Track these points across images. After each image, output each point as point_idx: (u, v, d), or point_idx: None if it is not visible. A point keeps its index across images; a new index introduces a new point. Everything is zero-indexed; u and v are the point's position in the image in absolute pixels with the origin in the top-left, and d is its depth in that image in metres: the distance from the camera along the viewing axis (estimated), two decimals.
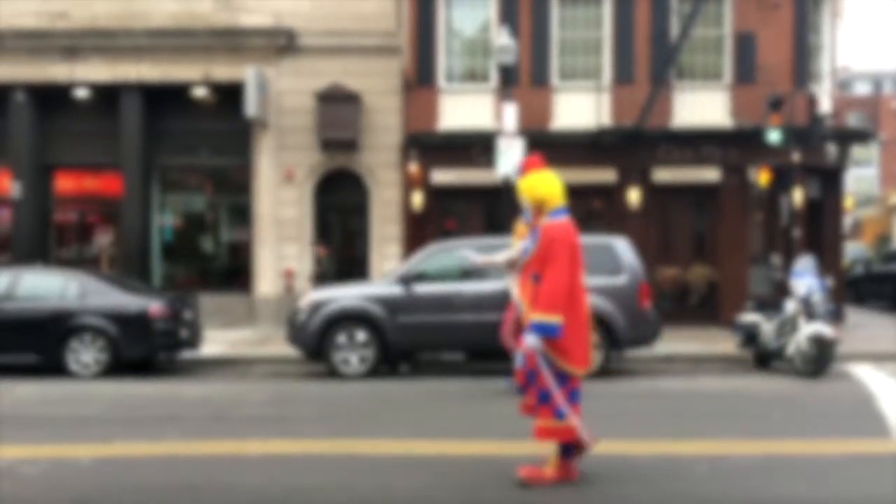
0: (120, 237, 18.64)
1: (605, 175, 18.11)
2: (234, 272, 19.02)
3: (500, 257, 9.85)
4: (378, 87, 18.18)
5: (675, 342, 14.33)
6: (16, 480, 5.96)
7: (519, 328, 9.86)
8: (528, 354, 5.57)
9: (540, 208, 5.74)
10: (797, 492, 5.64)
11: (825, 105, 19.01)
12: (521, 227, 10.11)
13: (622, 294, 11.82)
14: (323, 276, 16.67)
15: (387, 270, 16.18)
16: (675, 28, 17.95)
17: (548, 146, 17.76)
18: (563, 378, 5.61)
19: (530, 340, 5.49)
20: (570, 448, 5.74)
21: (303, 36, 18.19)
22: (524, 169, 5.89)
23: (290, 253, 18.09)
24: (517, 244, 9.91)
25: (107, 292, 12.55)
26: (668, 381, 11.36)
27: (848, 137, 19.80)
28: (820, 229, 19.20)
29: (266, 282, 18.22)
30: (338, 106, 17.79)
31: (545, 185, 5.73)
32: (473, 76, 18.65)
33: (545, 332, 5.45)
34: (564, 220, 5.73)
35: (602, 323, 11.66)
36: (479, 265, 9.71)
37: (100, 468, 6.30)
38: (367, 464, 6.31)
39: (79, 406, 9.37)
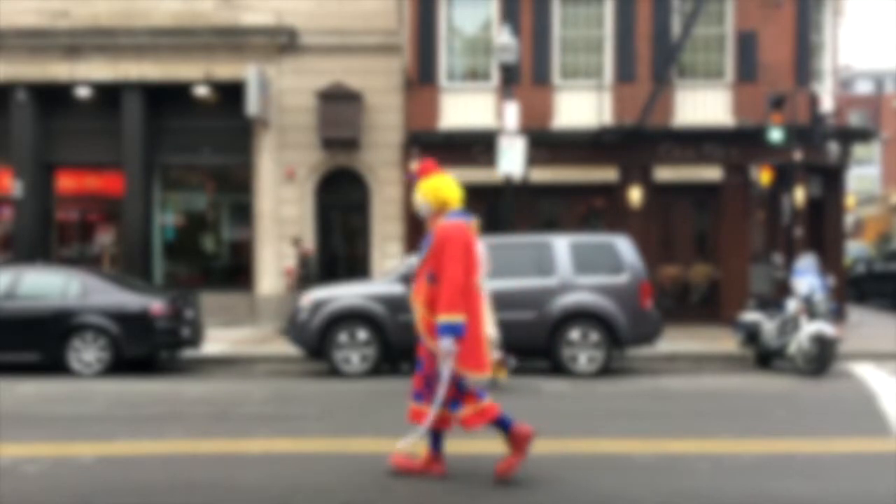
0: (121, 236, 18.65)
1: (606, 174, 18.10)
2: (236, 271, 19.03)
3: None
4: (379, 85, 18.18)
5: (676, 341, 14.33)
6: (17, 479, 5.97)
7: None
8: (428, 360, 5.65)
9: (441, 210, 5.82)
10: (799, 490, 5.64)
11: (827, 104, 18.99)
12: None
13: (624, 293, 11.81)
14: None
15: (388, 269, 16.18)
16: (676, 26, 17.93)
17: (549, 145, 17.82)
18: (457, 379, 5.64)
19: (445, 344, 5.47)
20: (440, 442, 5.78)
21: (304, 35, 18.19)
22: (421, 173, 5.96)
23: (292, 251, 18.09)
24: None
25: (108, 291, 12.55)
26: (669, 379, 11.36)
27: (849, 136, 19.78)
28: (821, 228, 19.19)
29: (267, 280, 18.23)
30: (339, 104, 17.79)
31: (448, 188, 5.87)
32: (475, 75, 18.64)
33: (454, 332, 5.47)
34: (460, 221, 5.80)
35: (603, 322, 11.67)
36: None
37: (101, 467, 6.30)
38: (369, 462, 6.31)
39: (80, 404, 9.38)
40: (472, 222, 10.53)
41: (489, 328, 10.22)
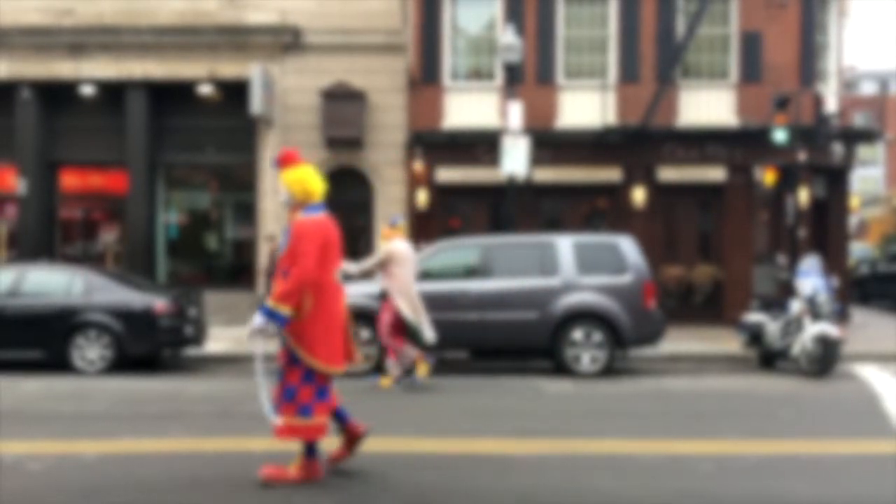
0: (125, 234, 18.66)
1: (610, 174, 18.09)
2: (239, 269, 19.04)
3: (369, 262, 10.45)
4: (383, 85, 18.18)
5: (679, 341, 14.32)
6: (21, 476, 5.98)
7: (397, 327, 10.24)
8: (280, 351, 5.64)
9: (303, 202, 5.73)
10: (802, 491, 5.63)
11: (831, 104, 18.94)
12: (386, 230, 10.44)
13: (627, 293, 11.80)
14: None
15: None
16: (681, 27, 17.92)
17: (553, 145, 17.81)
18: (310, 375, 5.59)
19: (258, 321, 5.51)
20: (315, 450, 5.70)
21: (308, 34, 18.20)
22: (283, 163, 5.84)
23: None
24: (383, 246, 10.33)
25: (112, 289, 12.57)
26: (672, 380, 11.35)
27: (854, 137, 19.74)
28: (825, 229, 19.16)
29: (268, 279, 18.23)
30: (343, 104, 17.80)
31: (313, 180, 5.78)
32: (478, 74, 18.63)
33: (271, 317, 5.48)
34: (320, 215, 5.75)
35: (607, 322, 11.67)
36: (356, 273, 10.24)
37: (105, 464, 6.31)
38: (369, 461, 6.31)
39: (84, 402, 9.39)
40: (400, 223, 10.63)
41: (426, 329, 10.41)
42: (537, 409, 8.86)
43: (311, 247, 5.53)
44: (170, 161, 18.89)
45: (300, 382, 5.58)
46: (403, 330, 10.27)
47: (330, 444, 5.98)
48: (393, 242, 10.29)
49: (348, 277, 11.82)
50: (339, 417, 5.89)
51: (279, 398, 5.64)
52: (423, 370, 10.20)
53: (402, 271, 10.17)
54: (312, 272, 5.50)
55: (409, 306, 10.15)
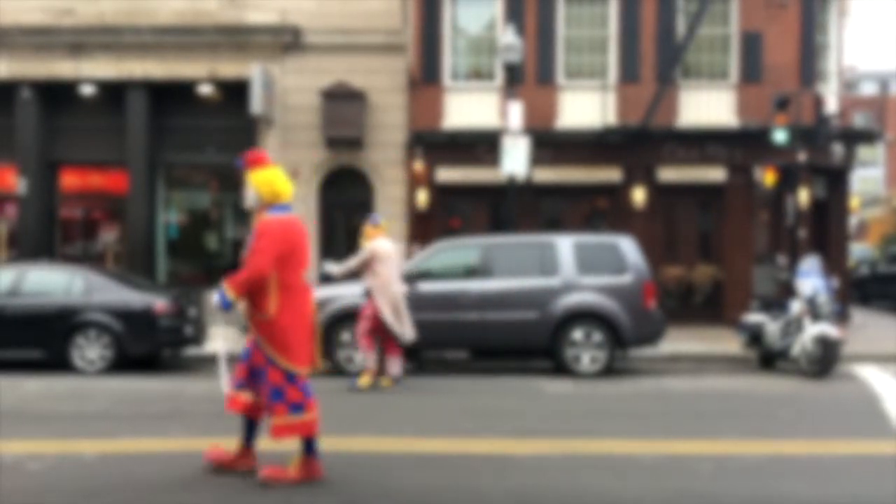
0: (125, 234, 18.66)
1: (610, 174, 18.09)
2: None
3: (352, 262, 10.51)
4: (383, 84, 18.18)
5: (679, 342, 14.32)
6: (21, 475, 5.98)
7: (375, 327, 10.28)
8: (254, 352, 5.66)
9: (270, 203, 5.76)
10: (802, 491, 5.63)
11: (831, 105, 18.96)
12: (368, 229, 10.45)
13: (627, 293, 11.80)
14: None
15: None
16: (681, 27, 17.92)
17: (553, 145, 17.82)
18: (291, 375, 5.61)
19: (217, 298, 5.62)
20: (313, 447, 5.71)
21: (308, 33, 18.20)
22: (251, 163, 5.86)
23: None
24: (367, 246, 10.36)
25: (112, 289, 12.57)
26: (672, 380, 11.35)
27: (854, 137, 19.74)
28: (825, 229, 19.17)
29: None
30: (343, 104, 17.80)
31: (280, 182, 5.80)
32: (479, 74, 18.63)
33: (222, 298, 5.59)
34: (286, 216, 5.77)
35: (607, 322, 11.67)
36: (338, 274, 10.33)
37: (104, 464, 6.31)
38: (368, 461, 6.31)
39: (83, 402, 9.39)
40: (382, 222, 10.68)
41: (406, 330, 10.47)
42: (537, 409, 8.86)
43: (270, 246, 5.56)
44: (170, 161, 18.88)
45: (284, 382, 5.60)
46: (379, 332, 10.39)
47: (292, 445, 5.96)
48: (376, 241, 10.36)
49: (330, 278, 11.89)
50: (251, 428, 5.89)
51: (267, 400, 5.64)
52: (365, 380, 10.26)
53: (385, 270, 10.25)
54: (265, 270, 5.54)
55: (391, 305, 10.23)
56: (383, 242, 10.41)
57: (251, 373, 5.74)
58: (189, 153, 18.86)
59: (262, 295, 5.61)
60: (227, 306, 5.61)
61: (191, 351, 13.42)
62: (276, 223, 5.67)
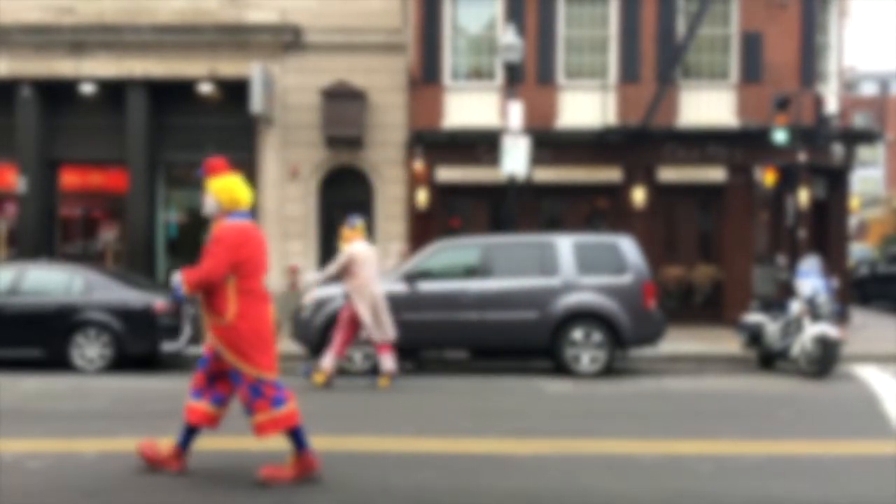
0: (125, 233, 18.66)
1: (610, 174, 18.09)
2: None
3: (332, 268, 10.55)
4: (383, 84, 18.18)
5: (679, 342, 14.32)
6: (21, 474, 5.97)
7: (353, 327, 10.29)
8: (216, 359, 5.79)
9: (230, 210, 5.81)
10: (801, 492, 5.63)
11: (832, 105, 18.96)
12: (346, 231, 10.47)
13: (627, 293, 11.80)
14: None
15: (389, 268, 16.18)
16: (681, 27, 17.92)
17: (553, 145, 17.81)
18: (260, 379, 5.65)
19: (177, 278, 5.71)
20: (303, 440, 5.70)
21: (308, 33, 18.19)
22: (211, 171, 5.94)
23: (295, 249, 18.11)
24: (345, 250, 10.38)
25: (111, 288, 12.57)
26: (672, 380, 11.35)
27: (854, 138, 19.75)
28: (825, 230, 19.17)
29: (270, 278, 18.18)
30: (343, 103, 17.79)
31: (240, 189, 5.87)
32: (479, 74, 18.63)
33: (176, 287, 5.69)
34: (244, 222, 5.80)
35: (606, 322, 11.66)
36: (320, 281, 10.40)
37: (104, 462, 6.31)
38: (368, 460, 6.31)
39: (83, 401, 9.39)
40: (359, 224, 10.73)
41: (386, 330, 10.50)
42: (537, 409, 8.86)
43: (225, 252, 5.60)
44: (170, 160, 18.88)
45: (258, 382, 5.63)
46: (355, 334, 10.46)
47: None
48: (353, 245, 10.38)
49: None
50: (190, 433, 5.90)
51: (248, 398, 5.63)
52: (320, 378, 10.26)
53: (363, 272, 10.29)
54: (217, 275, 5.58)
55: (369, 307, 10.25)
56: (360, 245, 10.45)
57: (208, 380, 5.81)
58: (189, 152, 18.83)
59: (221, 300, 5.66)
60: (180, 298, 5.72)
61: (190, 350, 13.38)
62: (233, 229, 5.70)
